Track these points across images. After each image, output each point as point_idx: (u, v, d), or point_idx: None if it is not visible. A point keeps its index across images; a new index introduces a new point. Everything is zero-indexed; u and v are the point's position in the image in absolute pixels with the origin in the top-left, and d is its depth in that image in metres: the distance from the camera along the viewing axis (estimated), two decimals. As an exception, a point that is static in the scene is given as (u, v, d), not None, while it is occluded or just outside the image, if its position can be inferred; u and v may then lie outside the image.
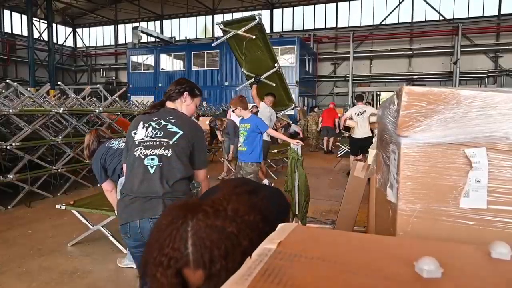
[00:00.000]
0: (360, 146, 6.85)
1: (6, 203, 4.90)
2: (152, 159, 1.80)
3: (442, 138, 1.03)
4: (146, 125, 1.87)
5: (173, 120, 1.88)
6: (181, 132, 1.84)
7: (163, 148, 1.81)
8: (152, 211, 1.75)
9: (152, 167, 1.79)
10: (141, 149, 1.82)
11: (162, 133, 1.83)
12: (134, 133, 1.88)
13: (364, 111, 6.91)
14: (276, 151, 7.62)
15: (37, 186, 5.24)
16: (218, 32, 24.58)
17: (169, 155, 1.81)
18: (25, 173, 4.92)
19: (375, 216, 1.81)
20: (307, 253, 0.67)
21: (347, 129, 7.47)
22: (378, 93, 21.27)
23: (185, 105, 2.05)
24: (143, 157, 1.81)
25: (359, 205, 3.60)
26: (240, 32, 4.99)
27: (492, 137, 0.99)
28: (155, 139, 1.83)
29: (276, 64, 5.11)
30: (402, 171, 1.08)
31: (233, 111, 4.20)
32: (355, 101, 7.52)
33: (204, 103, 15.68)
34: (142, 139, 1.84)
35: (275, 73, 5.21)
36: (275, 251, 0.67)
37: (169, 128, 1.85)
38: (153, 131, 1.84)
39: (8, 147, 4.69)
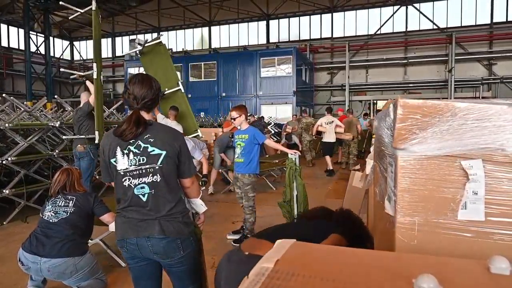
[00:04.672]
0: (329, 148, 9.05)
1: (1, 218, 4.84)
2: (142, 188, 1.71)
3: (438, 150, 1.03)
4: (126, 151, 1.71)
5: (151, 140, 1.71)
6: (164, 152, 1.71)
7: (151, 174, 1.71)
8: (148, 231, 1.71)
9: (144, 195, 1.72)
10: (129, 179, 1.72)
11: (145, 158, 1.70)
12: (115, 162, 1.73)
13: (332, 121, 9.04)
14: (277, 160, 7.63)
15: (34, 200, 5.19)
16: (215, 43, 24.82)
17: (158, 180, 1.72)
18: (21, 187, 4.88)
19: (374, 228, 1.80)
20: (305, 271, 0.66)
21: (319, 133, 9.16)
22: (375, 101, 21.40)
23: (156, 108, 1.89)
24: (133, 186, 1.72)
25: (358, 214, 3.59)
26: (144, 46, 5.24)
27: (487, 149, 0.99)
28: (140, 167, 1.70)
29: (179, 83, 5.24)
30: (399, 183, 1.07)
31: (233, 119, 4.15)
32: (326, 112, 9.56)
33: (202, 114, 15.71)
34: (127, 168, 1.71)
35: (179, 93, 5.31)
36: (273, 270, 0.66)
37: (151, 152, 1.70)
38: (135, 158, 1.70)
39: (4, 162, 4.66)
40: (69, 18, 5.94)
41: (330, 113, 9.40)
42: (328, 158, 8.95)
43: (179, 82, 5.11)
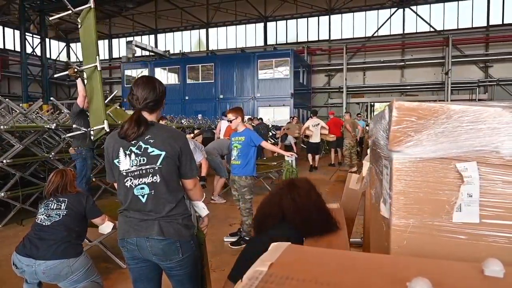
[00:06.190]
0: (314, 148, 9.87)
1: (-3, 221, 4.81)
2: (142, 188, 1.74)
3: (433, 152, 1.03)
4: (128, 152, 1.75)
5: (151, 140, 1.74)
6: (163, 153, 1.74)
7: (151, 175, 1.74)
8: (147, 231, 1.72)
9: (143, 196, 1.74)
10: (130, 179, 1.76)
11: (145, 159, 1.73)
12: (118, 162, 1.77)
13: (318, 124, 9.77)
14: (274, 163, 7.63)
15: (29, 203, 5.15)
16: (213, 45, 24.83)
17: (158, 181, 1.73)
18: (17, 190, 4.85)
19: (370, 230, 1.80)
20: (299, 274, 0.66)
21: (306, 136, 10.05)
22: (372, 103, 21.47)
23: (159, 111, 1.91)
24: (133, 187, 1.75)
25: (355, 217, 3.58)
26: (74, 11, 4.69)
27: (482, 151, 0.99)
28: (140, 167, 1.74)
29: (97, 58, 4.44)
30: (395, 186, 1.07)
31: (229, 121, 4.12)
32: (311, 115, 10.52)
33: (199, 116, 15.68)
34: (129, 169, 1.75)
35: (96, 72, 4.58)
36: (267, 273, 0.66)
37: (151, 152, 1.73)
38: (136, 158, 1.74)
39: (-1, 164, 4.62)
40: (60, 15, 5.77)
41: (316, 116, 10.32)
42: (317, 156, 9.95)
43: (96, 57, 4.48)
